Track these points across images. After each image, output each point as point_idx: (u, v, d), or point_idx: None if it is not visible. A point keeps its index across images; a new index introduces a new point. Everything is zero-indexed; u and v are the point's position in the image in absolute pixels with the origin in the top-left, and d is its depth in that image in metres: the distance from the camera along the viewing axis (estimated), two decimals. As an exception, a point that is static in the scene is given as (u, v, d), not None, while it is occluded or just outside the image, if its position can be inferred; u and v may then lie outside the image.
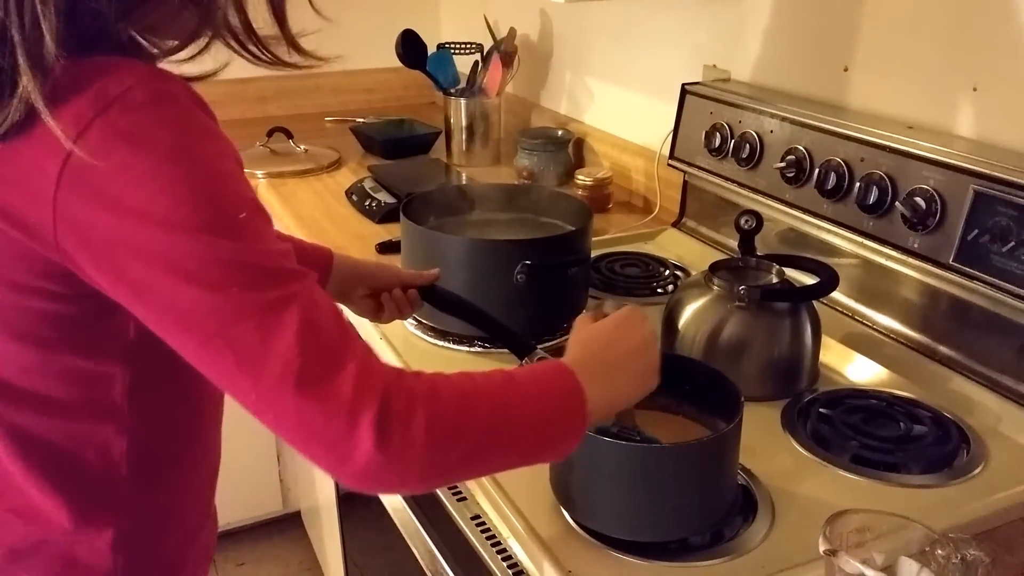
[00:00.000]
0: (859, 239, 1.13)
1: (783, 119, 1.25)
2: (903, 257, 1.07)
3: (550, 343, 1.13)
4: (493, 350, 1.13)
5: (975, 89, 1.06)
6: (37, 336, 0.63)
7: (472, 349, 1.14)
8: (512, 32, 1.97)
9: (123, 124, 0.54)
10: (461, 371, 0.64)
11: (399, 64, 1.94)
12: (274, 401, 0.55)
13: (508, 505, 0.83)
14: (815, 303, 1.06)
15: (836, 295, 1.15)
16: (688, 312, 1.05)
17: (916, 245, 1.05)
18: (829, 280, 1.04)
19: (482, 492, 0.87)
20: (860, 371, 1.09)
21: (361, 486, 0.58)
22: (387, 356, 1.14)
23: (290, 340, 0.54)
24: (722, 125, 1.36)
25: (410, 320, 1.19)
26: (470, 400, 0.61)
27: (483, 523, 0.89)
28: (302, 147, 1.99)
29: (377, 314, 1.00)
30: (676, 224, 1.53)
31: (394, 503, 1.12)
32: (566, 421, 0.66)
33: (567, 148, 1.81)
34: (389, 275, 1.00)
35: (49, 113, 0.54)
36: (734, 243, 1.12)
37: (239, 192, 0.58)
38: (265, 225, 0.60)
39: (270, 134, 2.00)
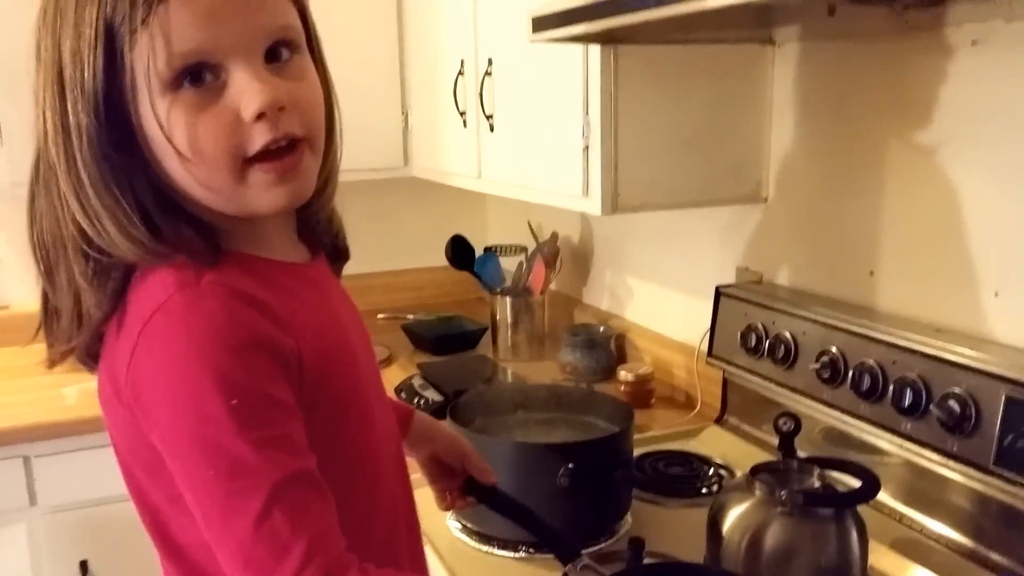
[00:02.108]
0: (899, 440, 1.14)
1: (814, 321, 1.30)
2: (944, 460, 1.08)
3: (595, 548, 1.13)
4: (538, 555, 1.13)
5: (996, 295, 1.11)
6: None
7: (517, 554, 1.15)
8: (554, 235, 2.10)
9: (160, 327, 0.67)
10: None
11: (447, 263, 2.07)
12: (229, 568, 0.67)
13: None
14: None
15: (882, 497, 1.15)
16: (731, 517, 1.05)
17: (955, 448, 1.06)
18: (870, 486, 1.04)
19: None
20: (913, 579, 1.06)
21: None
22: (431, 560, 1.16)
23: (246, 526, 0.64)
24: (757, 326, 1.41)
25: (455, 523, 1.21)
26: None
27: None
28: (356, 344, 2.08)
29: (434, 481, 1.03)
30: (718, 421, 1.55)
31: None
32: None
33: (609, 344, 1.87)
34: (456, 449, 1.03)
35: (119, 325, 0.71)
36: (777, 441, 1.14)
37: (238, 382, 0.66)
38: (259, 412, 0.66)
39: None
